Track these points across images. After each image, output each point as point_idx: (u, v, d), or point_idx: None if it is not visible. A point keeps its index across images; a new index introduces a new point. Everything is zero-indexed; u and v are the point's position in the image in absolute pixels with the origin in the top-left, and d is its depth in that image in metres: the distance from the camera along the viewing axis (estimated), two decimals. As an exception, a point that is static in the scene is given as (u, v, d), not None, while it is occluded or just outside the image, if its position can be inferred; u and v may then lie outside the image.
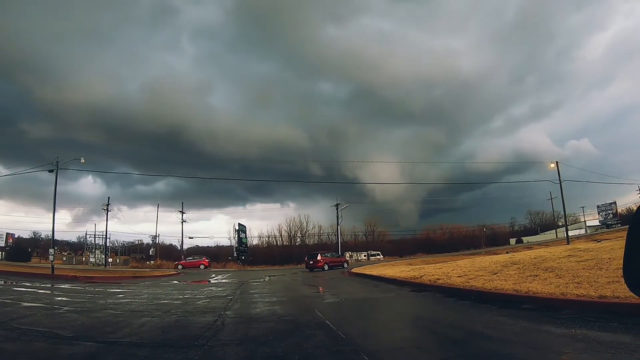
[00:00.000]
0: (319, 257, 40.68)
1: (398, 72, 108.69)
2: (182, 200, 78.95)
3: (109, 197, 63.19)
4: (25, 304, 12.71)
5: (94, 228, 73.14)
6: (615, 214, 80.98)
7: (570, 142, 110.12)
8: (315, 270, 38.44)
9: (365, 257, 74.74)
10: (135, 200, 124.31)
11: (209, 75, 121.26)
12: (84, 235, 77.41)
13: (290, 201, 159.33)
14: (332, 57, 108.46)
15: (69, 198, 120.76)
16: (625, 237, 1.92)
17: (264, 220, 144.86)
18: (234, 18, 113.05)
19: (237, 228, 72.49)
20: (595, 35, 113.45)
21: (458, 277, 15.89)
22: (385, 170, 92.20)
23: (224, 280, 27.54)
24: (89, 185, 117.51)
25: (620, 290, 8.57)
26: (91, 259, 65.58)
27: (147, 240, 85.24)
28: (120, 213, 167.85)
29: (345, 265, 42.96)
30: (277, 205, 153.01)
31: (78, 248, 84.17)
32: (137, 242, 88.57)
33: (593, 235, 62.47)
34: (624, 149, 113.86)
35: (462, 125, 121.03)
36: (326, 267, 39.63)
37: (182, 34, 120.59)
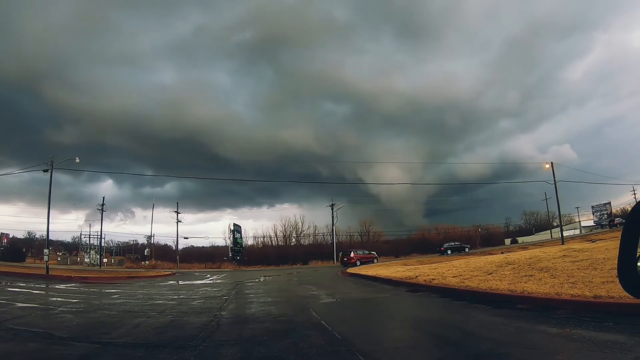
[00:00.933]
0: (352, 255, 44.51)
1: (402, 90, 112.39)
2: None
3: (103, 197, 63.27)
4: (20, 305, 12.66)
5: (89, 228, 72.79)
6: (610, 215, 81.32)
7: (552, 147, 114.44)
8: (349, 265, 40.65)
9: (360, 258, 74.76)
10: (149, 201, 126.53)
11: (228, 88, 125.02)
12: (79, 235, 77.20)
13: (298, 203, 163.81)
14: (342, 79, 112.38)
15: (89, 199, 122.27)
16: (619, 238, 1.93)
17: (274, 221, 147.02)
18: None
19: (232, 228, 72.42)
20: (576, 61, 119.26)
21: (453, 277, 15.92)
22: (390, 173, 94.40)
23: (219, 281, 27.48)
24: (108, 187, 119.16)
25: (615, 291, 8.60)
26: (86, 259, 65.37)
27: (142, 240, 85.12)
28: (122, 216, 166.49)
29: (375, 261, 45.42)
30: (285, 207, 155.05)
31: (73, 248, 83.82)
32: (132, 242, 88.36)
33: (588, 235, 62.70)
34: (602, 157, 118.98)
35: (457, 136, 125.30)
36: (358, 263, 41.75)
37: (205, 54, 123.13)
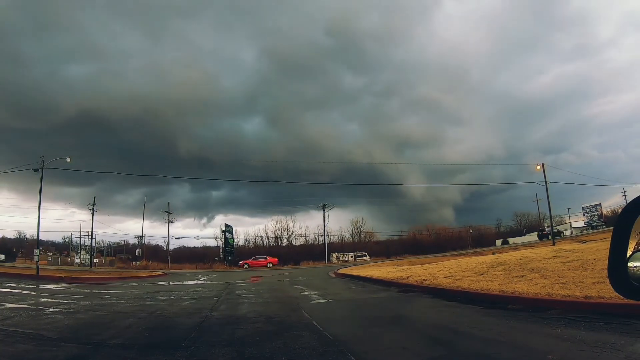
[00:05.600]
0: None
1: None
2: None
3: (94, 197, 62.81)
4: (10, 305, 12.56)
5: (80, 228, 72.34)
6: (601, 216, 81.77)
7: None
8: None
9: (352, 258, 74.75)
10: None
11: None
12: (70, 235, 76.69)
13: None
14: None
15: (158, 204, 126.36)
16: (610, 239, 1.94)
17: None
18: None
19: (223, 229, 72.24)
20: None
21: (444, 277, 15.97)
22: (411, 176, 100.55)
23: (210, 281, 27.40)
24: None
25: (605, 291, 8.67)
26: (76, 260, 64.93)
27: (133, 240, 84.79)
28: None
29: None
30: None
31: (63, 248, 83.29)
32: (122, 242, 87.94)
33: (578, 236, 63.07)
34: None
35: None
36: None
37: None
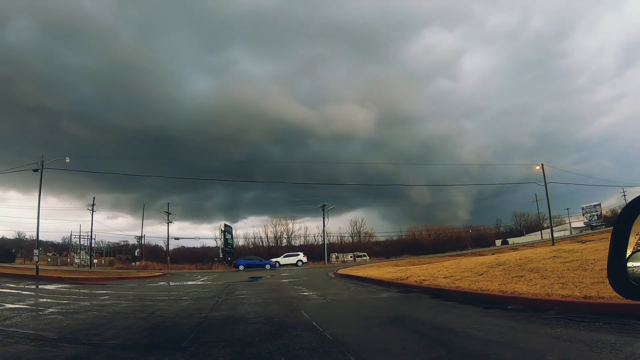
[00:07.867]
0: None
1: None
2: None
3: (94, 197, 62.71)
4: (9, 306, 12.55)
5: (79, 228, 72.45)
6: (600, 216, 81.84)
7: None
8: None
9: (351, 259, 74.79)
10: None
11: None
12: (69, 235, 76.72)
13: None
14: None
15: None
16: (609, 239, 1.94)
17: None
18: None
19: (223, 229, 72.17)
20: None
21: (444, 278, 15.98)
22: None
23: (210, 282, 27.38)
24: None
25: (605, 291, 8.68)
26: (76, 260, 64.95)
27: (132, 241, 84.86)
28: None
29: None
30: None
31: (63, 249, 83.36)
32: (122, 242, 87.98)
33: (578, 236, 63.07)
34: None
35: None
36: None
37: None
